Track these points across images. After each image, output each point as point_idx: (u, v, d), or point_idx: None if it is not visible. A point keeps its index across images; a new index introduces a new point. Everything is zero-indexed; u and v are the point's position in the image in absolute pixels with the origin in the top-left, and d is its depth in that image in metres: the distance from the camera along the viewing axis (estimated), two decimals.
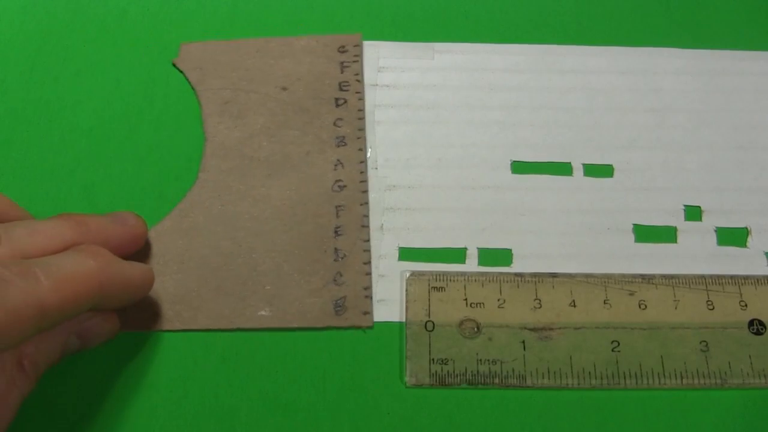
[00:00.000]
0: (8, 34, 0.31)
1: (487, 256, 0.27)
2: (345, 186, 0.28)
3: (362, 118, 0.29)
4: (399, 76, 0.31)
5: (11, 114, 0.30)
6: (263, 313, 0.26)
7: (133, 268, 0.23)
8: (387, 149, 0.29)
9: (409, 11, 0.32)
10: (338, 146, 0.28)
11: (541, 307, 0.26)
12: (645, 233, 0.28)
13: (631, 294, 0.26)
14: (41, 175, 0.28)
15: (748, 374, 0.25)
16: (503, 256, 0.27)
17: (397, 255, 0.27)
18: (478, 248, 0.27)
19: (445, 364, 0.25)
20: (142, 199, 0.28)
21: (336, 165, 0.28)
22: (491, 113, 0.30)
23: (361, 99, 0.30)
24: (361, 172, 0.28)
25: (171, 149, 0.29)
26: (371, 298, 0.26)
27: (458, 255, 0.27)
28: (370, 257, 0.27)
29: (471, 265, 0.27)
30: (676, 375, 0.25)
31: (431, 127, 0.30)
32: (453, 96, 0.30)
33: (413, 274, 0.26)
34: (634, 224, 0.28)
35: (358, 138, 0.29)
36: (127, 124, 0.29)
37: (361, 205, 0.27)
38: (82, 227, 0.23)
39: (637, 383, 0.25)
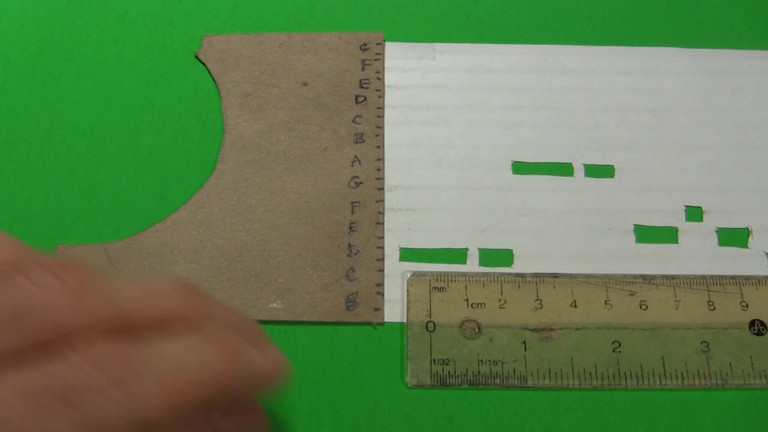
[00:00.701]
0: (9, 34, 0.31)
1: (488, 256, 0.27)
2: (361, 183, 0.28)
3: (381, 116, 0.29)
4: (400, 76, 0.31)
5: (13, 114, 0.30)
6: (275, 305, 0.26)
7: (265, 360, 0.18)
8: (388, 150, 0.29)
9: (410, 11, 0.32)
10: (356, 143, 0.29)
11: (542, 307, 0.26)
12: (646, 234, 0.28)
13: (632, 294, 0.26)
14: (42, 176, 0.28)
15: (749, 375, 0.25)
16: (504, 256, 0.27)
17: (398, 255, 0.27)
18: (479, 249, 0.27)
19: (446, 364, 0.25)
20: (143, 199, 0.28)
21: (353, 161, 0.28)
22: (492, 114, 0.30)
23: (381, 97, 0.30)
24: (378, 170, 0.28)
25: (170, 150, 0.29)
26: (383, 294, 0.26)
27: (459, 255, 0.27)
28: (383, 254, 0.27)
29: (472, 265, 0.27)
30: (677, 375, 0.25)
31: (432, 128, 0.30)
32: (454, 96, 0.30)
33: (414, 274, 0.26)
34: (635, 225, 0.28)
35: (377, 136, 0.29)
36: (129, 125, 0.29)
37: (377, 202, 0.28)
38: (203, 307, 0.18)
39: (638, 384, 0.25)
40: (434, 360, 0.25)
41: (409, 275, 0.26)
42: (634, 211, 0.28)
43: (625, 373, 0.25)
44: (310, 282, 0.26)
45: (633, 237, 0.28)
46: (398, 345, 0.25)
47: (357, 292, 0.26)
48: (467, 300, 0.26)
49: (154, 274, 0.17)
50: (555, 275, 0.27)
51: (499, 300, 0.26)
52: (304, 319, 0.26)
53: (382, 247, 0.27)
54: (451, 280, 0.26)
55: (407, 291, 0.26)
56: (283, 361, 0.19)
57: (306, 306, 0.26)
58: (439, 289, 0.26)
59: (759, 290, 0.26)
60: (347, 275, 0.26)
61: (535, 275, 0.26)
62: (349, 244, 0.27)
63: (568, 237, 0.27)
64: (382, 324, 0.26)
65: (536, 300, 0.26)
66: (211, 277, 0.26)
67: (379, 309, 0.26)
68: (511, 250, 0.27)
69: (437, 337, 0.25)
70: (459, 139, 0.29)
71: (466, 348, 0.25)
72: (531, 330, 0.25)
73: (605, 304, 0.26)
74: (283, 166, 0.28)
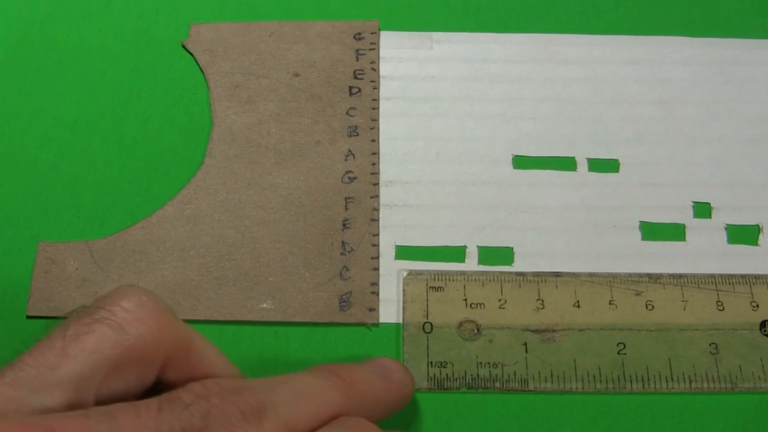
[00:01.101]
0: None
1: (488, 254, 0.27)
2: (355, 178, 0.28)
3: (376, 108, 0.29)
4: (396, 66, 0.30)
5: None
6: (265, 305, 0.26)
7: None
8: (383, 143, 0.29)
9: None
10: (350, 136, 0.29)
11: (543, 307, 0.26)
12: (652, 231, 0.27)
13: (637, 294, 0.26)
14: (23, 170, 0.28)
15: (759, 378, 0.25)
16: (504, 254, 0.27)
17: (394, 253, 0.27)
18: (478, 246, 0.27)
19: (444, 367, 0.25)
20: (127, 194, 0.28)
21: (347, 155, 0.28)
22: (492, 105, 0.30)
23: (376, 88, 0.30)
24: (373, 164, 0.28)
25: (156, 144, 0.29)
26: (378, 294, 0.26)
27: (457, 253, 0.27)
28: (378, 252, 0.27)
29: (471, 264, 0.27)
30: (684, 378, 0.25)
31: (429, 120, 0.29)
32: (452, 87, 0.30)
33: (411, 273, 0.26)
34: (640, 221, 0.28)
35: (372, 129, 0.29)
36: (113, 117, 0.29)
37: (372, 198, 0.27)
38: (351, 389, 0.20)
39: (643, 387, 0.25)
40: (431, 362, 0.25)
41: (405, 274, 0.26)
42: (639, 207, 0.28)
43: (630, 376, 0.25)
44: (302, 281, 0.26)
45: (638, 234, 0.27)
46: (394, 347, 0.25)
47: (351, 292, 0.26)
48: (466, 300, 0.26)
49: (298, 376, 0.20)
50: (557, 274, 0.26)
51: (499, 300, 0.26)
52: (296, 319, 0.26)
53: (377, 245, 0.27)
54: (449, 280, 0.26)
55: (403, 291, 0.26)
56: (412, 389, 0.23)
57: (298, 306, 0.26)
58: (437, 289, 0.26)
59: None
60: (341, 274, 0.26)
61: (537, 274, 0.26)
62: (343, 242, 0.27)
63: (570, 234, 0.27)
64: (377, 325, 0.26)
65: (538, 300, 0.26)
66: (198, 276, 0.26)
67: (373, 309, 0.26)
68: (512, 248, 0.27)
69: (434, 339, 0.25)
70: (457, 132, 0.29)
71: (464, 350, 0.25)
72: (532, 331, 0.25)
73: (609, 304, 0.26)
74: (274, 161, 0.28)
